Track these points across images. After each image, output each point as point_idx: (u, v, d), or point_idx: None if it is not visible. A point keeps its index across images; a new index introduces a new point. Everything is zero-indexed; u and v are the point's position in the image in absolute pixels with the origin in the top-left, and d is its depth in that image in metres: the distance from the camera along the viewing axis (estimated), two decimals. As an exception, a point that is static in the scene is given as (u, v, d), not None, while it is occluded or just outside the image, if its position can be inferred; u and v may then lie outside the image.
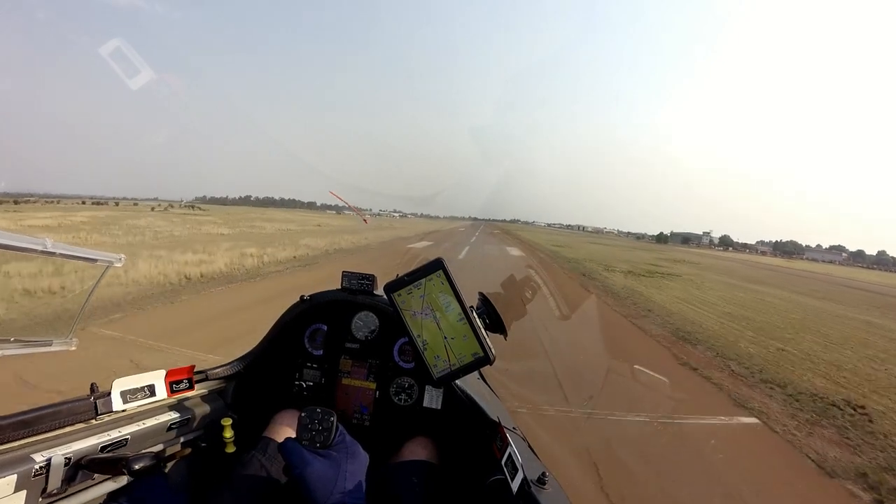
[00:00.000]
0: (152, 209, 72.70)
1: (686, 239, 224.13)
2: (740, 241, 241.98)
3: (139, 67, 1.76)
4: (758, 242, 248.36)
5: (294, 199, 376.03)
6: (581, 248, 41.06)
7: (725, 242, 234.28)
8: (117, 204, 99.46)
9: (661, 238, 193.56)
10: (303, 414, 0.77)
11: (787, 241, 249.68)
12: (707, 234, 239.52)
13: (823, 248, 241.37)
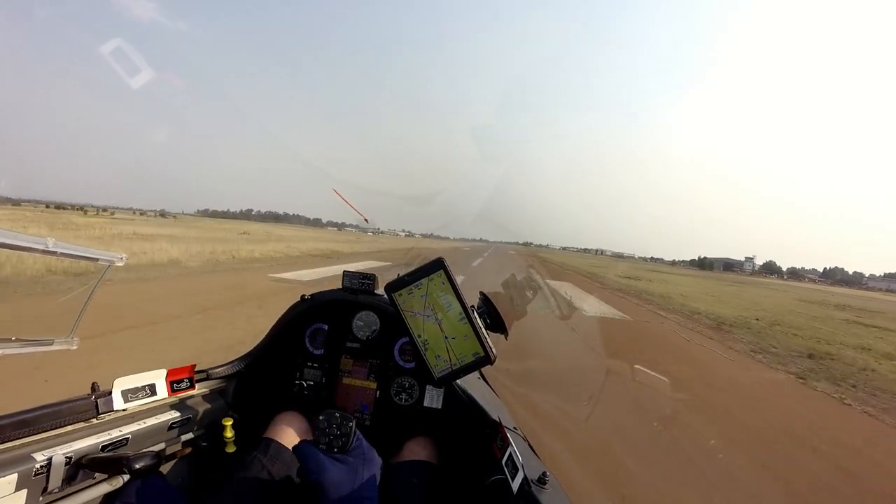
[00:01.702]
0: (95, 213, 62.70)
1: (728, 265, 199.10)
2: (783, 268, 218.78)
3: (140, 66, 1.67)
4: (788, 269, 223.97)
5: (298, 215, 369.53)
6: (669, 281, 27.05)
7: (770, 269, 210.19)
8: (85, 212, 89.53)
9: (703, 264, 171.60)
10: (321, 417, 0.76)
11: (835, 268, 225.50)
12: (750, 259, 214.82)
13: (865, 274, 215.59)
